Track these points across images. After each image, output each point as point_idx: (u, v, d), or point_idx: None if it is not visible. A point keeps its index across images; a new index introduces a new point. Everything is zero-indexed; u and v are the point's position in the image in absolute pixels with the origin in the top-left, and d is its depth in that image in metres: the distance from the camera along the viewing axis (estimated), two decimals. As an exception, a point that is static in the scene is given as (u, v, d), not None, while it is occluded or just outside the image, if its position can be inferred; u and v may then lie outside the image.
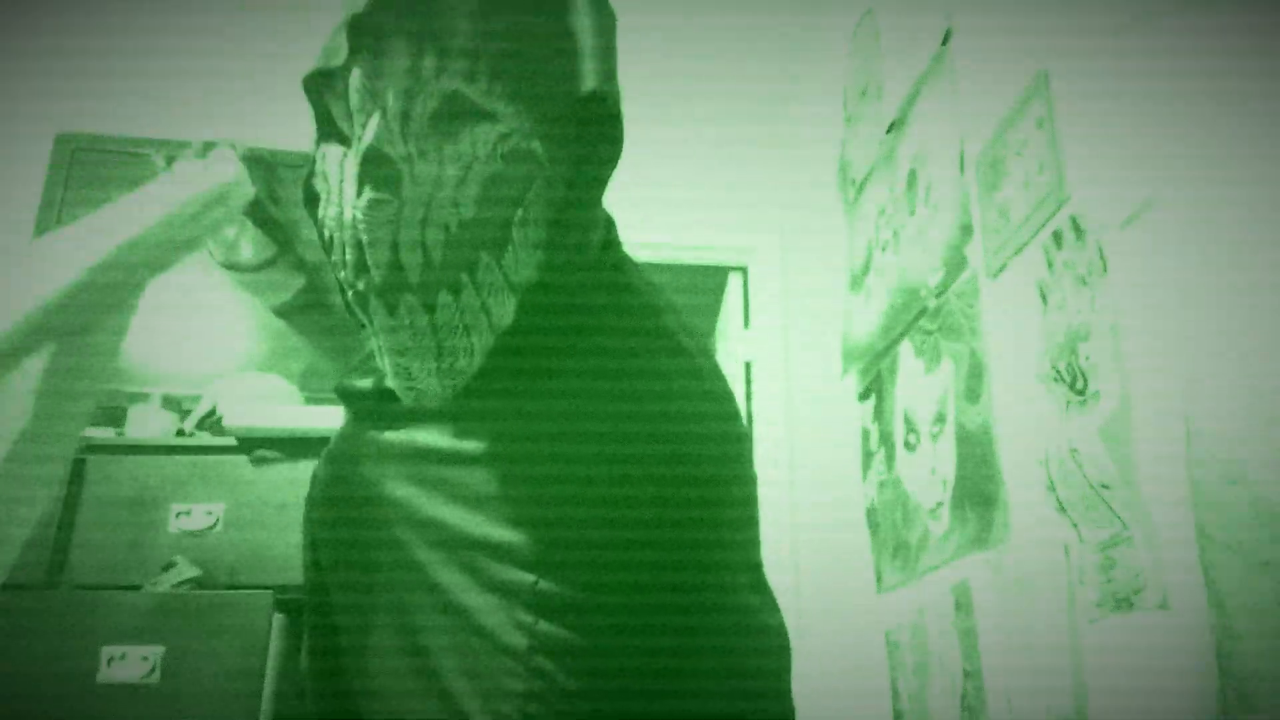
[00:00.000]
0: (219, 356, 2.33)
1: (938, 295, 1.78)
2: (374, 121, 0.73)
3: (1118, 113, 1.28)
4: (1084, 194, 1.34)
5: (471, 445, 0.80)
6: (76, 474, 1.82)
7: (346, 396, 0.90)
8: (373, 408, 0.87)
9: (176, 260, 0.87)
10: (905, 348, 1.94)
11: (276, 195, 0.89)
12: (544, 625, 0.75)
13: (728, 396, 0.90)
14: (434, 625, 0.78)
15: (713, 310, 3.08)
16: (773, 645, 0.89)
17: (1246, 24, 1.08)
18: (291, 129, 1.06)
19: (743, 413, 0.93)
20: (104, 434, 2.07)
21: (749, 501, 0.91)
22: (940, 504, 1.73)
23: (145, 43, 2.64)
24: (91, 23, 2.64)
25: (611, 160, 0.81)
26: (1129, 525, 1.19)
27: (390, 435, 0.84)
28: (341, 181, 0.76)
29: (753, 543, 0.92)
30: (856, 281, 2.24)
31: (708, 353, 0.90)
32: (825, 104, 2.57)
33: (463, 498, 0.79)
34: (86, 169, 2.50)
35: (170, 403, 2.18)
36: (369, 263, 0.75)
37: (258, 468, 1.85)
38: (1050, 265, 1.40)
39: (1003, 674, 1.47)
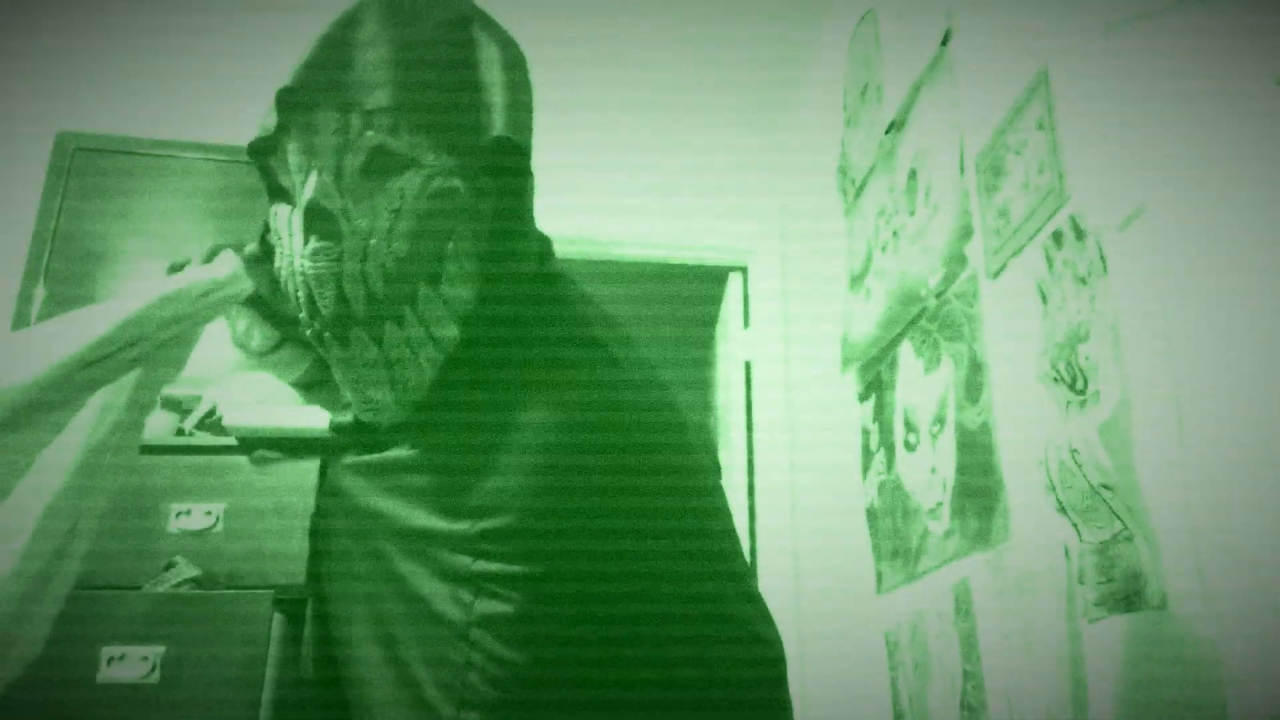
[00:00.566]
0: (219, 356, 2.32)
1: (938, 295, 1.78)
2: (312, 179, 0.84)
3: (1118, 113, 1.28)
4: (1084, 194, 1.34)
5: (423, 453, 0.89)
6: (76, 474, 1.81)
7: (336, 431, 0.99)
8: (354, 438, 0.95)
9: (172, 334, 0.97)
10: (905, 348, 1.94)
11: (276, 288, 0.98)
12: (481, 602, 0.82)
13: (657, 393, 0.96)
14: (399, 613, 0.85)
15: (713, 310, 3.08)
16: (763, 655, 0.93)
17: (1246, 24, 1.08)
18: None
19: (679, 406, 1.00)
20: (104, 434, 2.07)
21: (694, 487, 0.96)
22: (940, 504, 1.73)
23: (145, 43, 2.64)
24: (91, 23, 2.64)
25: (524, 191, 0.93)
26: (1129, 525, 1.19)
27: (366, 456, 0.92)
28: (290, 235, 0.87)
29: (726, 551, 0.96)
30: (856, 281, 2.24)
31: (641, 361, 0.97)
32: (825, 104, 2.57)
33: (416, 498, 0.87)
34: (86, 168, 2.50)
35: (170, 403, 2.18)
36: (318, 304, 0.86)
37: (258, 468, 1.85)
38: (1050, 265, 1.40)
39: (1003, 674, 1.47)
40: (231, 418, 1.93)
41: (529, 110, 0.94)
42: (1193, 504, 1.09)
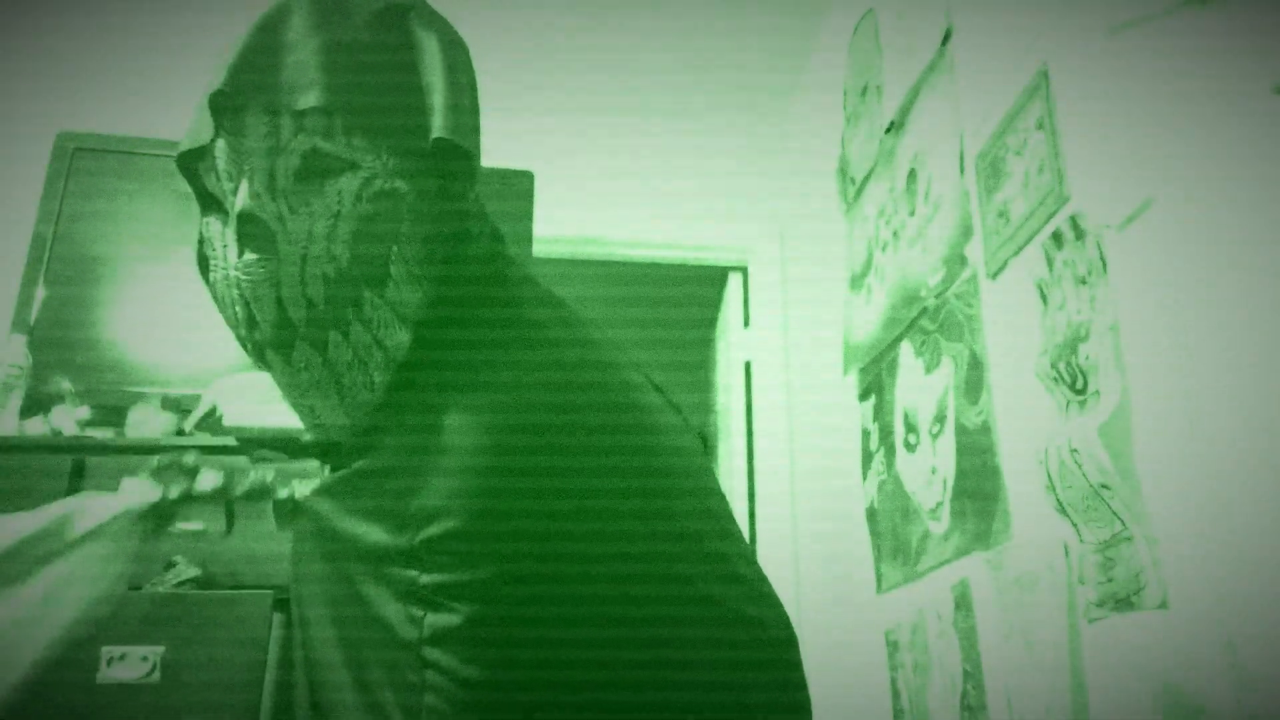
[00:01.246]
0: (219, 356, 2.33)
1: (938, 295, 1.78)
2: (243, 187, 0.79)
3: (1118, 113, 1.28)
4: (1084, 194, 1.34)
5: (373, 465, 0.84)
6: (76, 474, 1.81)
7: (307, 449, 0.97)
8: (321, 455, 0.93)
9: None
10: (905, 348, 1.94)
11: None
12: (431, 617, 0.78)
13: (608, 379, 0.91)
14: (365, 638, 0.82)
15: (713, 310, 3.08)
16: (753, 636, 0.89)
17: (1246, 24, 1.08)
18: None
19: (642, 389, 0.94)
20: (104, 434, 2.07)
21: (656, 468, 0.91)
22: (940, 504, 1.73)
23: (145, 43, 2.64)
24: (91, 23, 2.64)
25: (467, 190, 0.87)
26: (1129, 525, 1.19)
27: (330, 476, 0.89)
28: (225, 247, 0.82)
29: (701, 531, 0.91)
30: (856, 281, 2.24)
31: (600, 360, 0.92)
32: (825, 104, 2.57)
33: (372, 515, 0.82)
34: (86, 168, 2.50)
35: (170, 403, 2.18)
36: (257, 318, 0.81)
37: (257, 468, 1.85)
38: (1050, 265, 1.40)
39: (1003, 674, 1.47)
40: (231, 418, 1.93)
41: (473, 110, 0.88)
42: (1201, 502, 1.09)
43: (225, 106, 0.81)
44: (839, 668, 2.16)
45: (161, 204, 2.52)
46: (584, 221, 2.69)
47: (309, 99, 0.79)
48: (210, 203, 0.85)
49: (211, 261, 0.85)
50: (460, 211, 0.88)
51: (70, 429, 2.07)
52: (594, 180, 2.72)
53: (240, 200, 0.79)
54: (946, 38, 1.82)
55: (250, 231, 0.79)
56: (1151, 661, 1.14)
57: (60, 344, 2.32)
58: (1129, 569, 1.18)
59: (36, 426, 2.08)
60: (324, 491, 0.88)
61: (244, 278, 0.80)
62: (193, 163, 0.84)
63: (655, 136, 2.86)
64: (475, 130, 0.87)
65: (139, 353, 2.39)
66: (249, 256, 0.79)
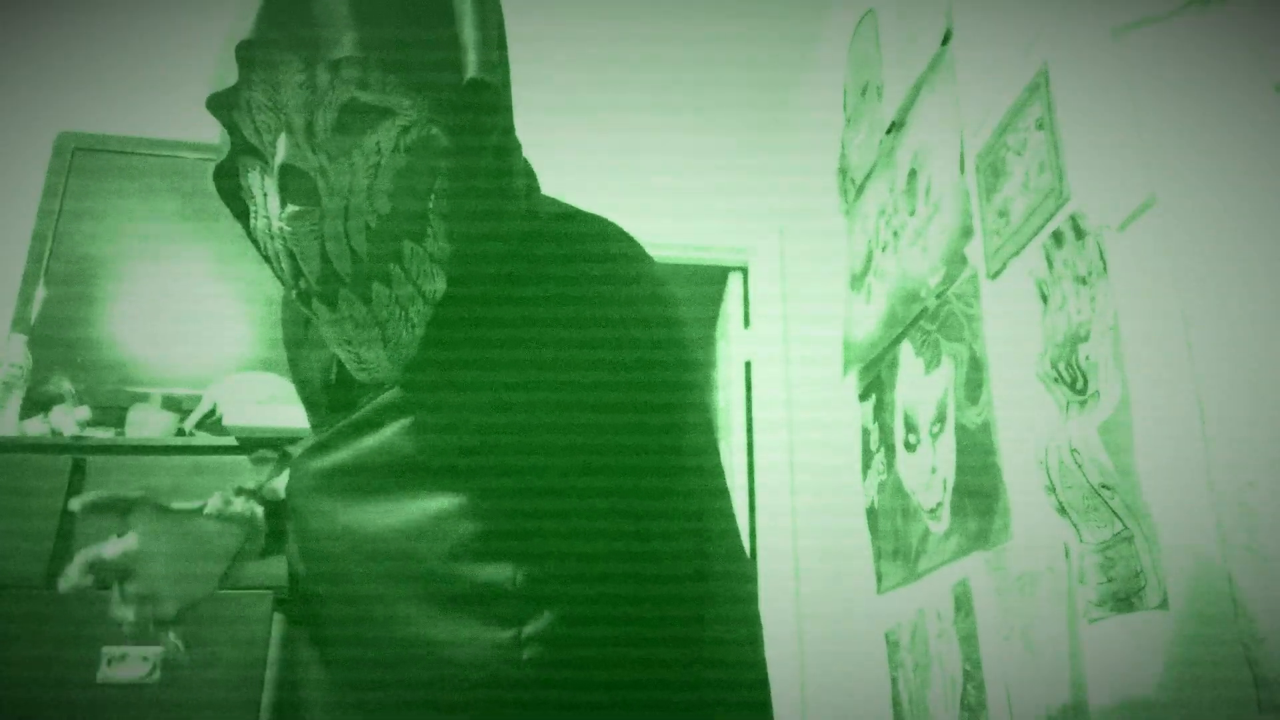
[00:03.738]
0: (219, 356, 2.33)
1: (938, 295, 1.78)
2: (283, 140, 0.80)
3: (1118, 112, 1.28)
4: (1084, 194, 1.34)
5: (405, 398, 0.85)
6: (76, 474, 1.81)
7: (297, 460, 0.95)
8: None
9: None
10: (905, 348, 1.94)
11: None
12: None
13: (651, 333, 0.92)
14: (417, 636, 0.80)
15: (713, 310, 3.08)
16: (742, 570, 0.93)
17: (1246, 22, 1.08)
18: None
19: (681, 348, 0.95)
20: (104, 434, 2.07)
21: (703, 428, 0.94)
22: (940, 504, 1.73)
23: (145, 43, 2.64)
24: (91, 23, 2.64)
25: (506, 127, 0.88)
26: (1129, 525, 1.19)
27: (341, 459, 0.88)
28: (265, 196, 0.83)
29: (719, 469, 0.95)
30: (856, 281, 2.24)
31: (632, 298, 0.93)
32: (825, 104, 2.57)
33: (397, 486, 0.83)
34: (86, 168, 2.50)
35: (170, 403, 2.18)
36: (302, 269, 0.82)
37: (257, 468, 1.85)
38: (1050, 265, 1.40)
39: (1003, 674, 1.47)
40: (231, 418, 1.93)
41: (503, 46, 0.88)
42: (1201, 502, 1.09)
43: (256, 58, 0.80)
44: (839, 668, 2.17)
45: (161, 204, 2.52)
46: (584, 221, 2.68)
47: (343, 48, 0.79)
48: (243, 145, 0.85)
49: (251, 209, 0.86)
50: (497, 148, 0.88)
51: (70, 429, 2.07)
52: (593, 180, 2.72)
53: (281, 154, 0.80)
54: (946, 38, 1.82)
55: (292, 184, 0.80)
56: (1151, 661, 1.14)
57: (60, 344, 2.33)
58: (1129, 569, 1.18)
59: (36, 426, 2.08)
60: (336, 484, 0.88)
61: (288, 229, 0.80)
62: (222, 107, 0.84)
63: (655, 136, 2.86)
64: (506, 71, 0.88)
65: (139, 353, 2.39)
66: (292, 209, 0.80)
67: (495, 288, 0.88)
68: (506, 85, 0.87)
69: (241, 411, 1.91)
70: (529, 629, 0.77)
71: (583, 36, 2.78)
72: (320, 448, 0.90)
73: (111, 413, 2.18)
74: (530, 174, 0.96)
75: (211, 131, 0.88)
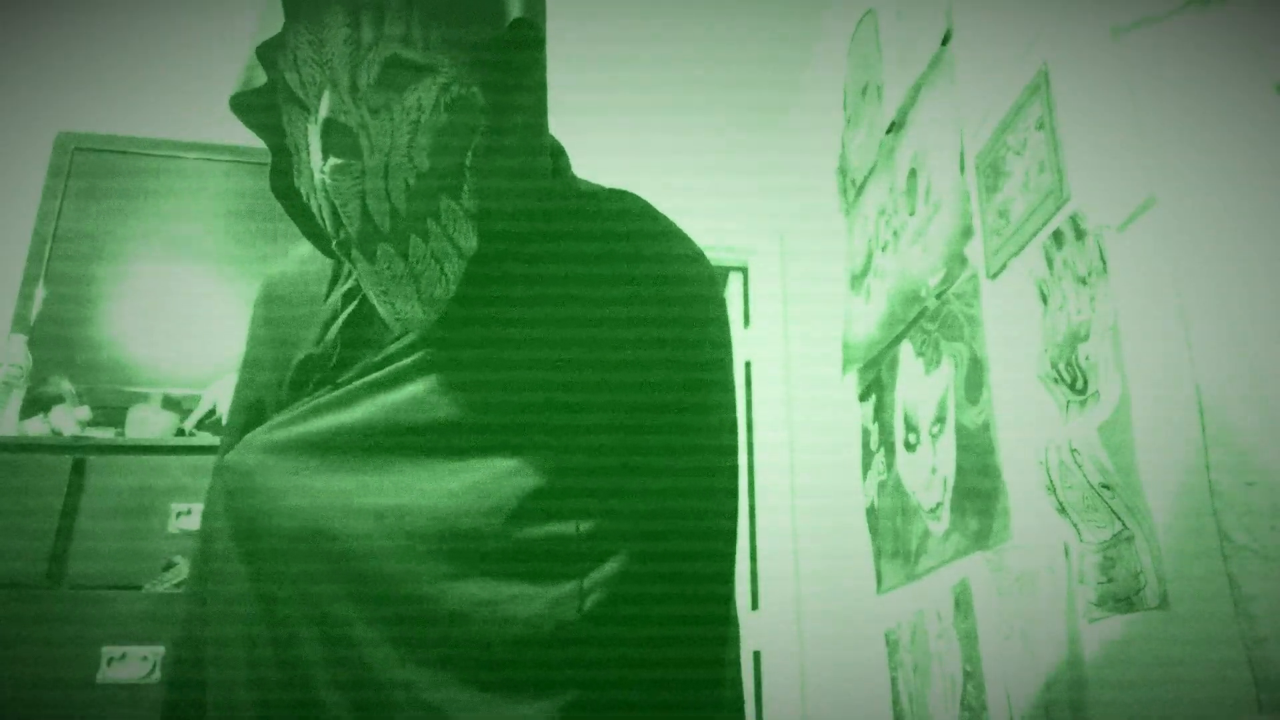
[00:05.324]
0: (219, 356, 2.33)
1: (938, 295, 1.78)
2: (327, 95, 0.83)
3: (1118, 112, 1.28)
4: (1084, 194, 1.34)
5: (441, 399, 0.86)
6: (76, 474, 1.82)
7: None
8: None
9: None
10: (905, 348, 1.94)
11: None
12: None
13: (675, 312, 0.95)
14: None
15: (713, 310, 3.07)
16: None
17: (1247, 22, 1.08)
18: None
19: (703, 331, 1.00)
20: (104, 434, 2.07)
21: (724, 407, 0.98)
22: (940, 504, 1.73)
23: (145, 43, 2.64)
24: (91, 23, 2.64)
25: (540, 86, 0.90)
26: (1129, 525, 1.19)
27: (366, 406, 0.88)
28: (308, 146, 0.85)
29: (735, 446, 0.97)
30: (856, 281, 2.24)
31: (655, 276, 0.96)
32: (825, 104, 2.57)
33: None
34: (86, 168, 2.50)
35: (170, 403, 2.18)
36: (343, 219, 0.84)
37: (258, 468, 1.84)
38: (1050, 265, 1.40)
39: (1003, 674, 1.47)
40: (231, 418, 1.93)
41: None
42: (1201, 502, 1.09)
43: (301, 9, 0.83)
44: (839, 668, 2.17)
45: (161, 204, 2.52)
46: (584, 221, 2.68)
47: (391, 5, 0.82)
48: (289, 95, 0.87)
49: (295, 155, 0.88)
50: (533, 107, 0.90)
51: (70, 429, 2.07)
52: (593, 180, 2.71)
53: (325, 109, 0.82)
54: (946, 38, 1.82)
55: (335, 137, 0.82)
56: (1151, 661, 1.14)
57: (60, 344, 2.33)
58: (1129, 569, 1.18)
59: (36, 426, 2.08)
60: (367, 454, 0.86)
61: (330, 182, 0.83)
62: (270, 55, 0.86)
63: (654, 136, 2.86)
64: (544, 20, 0.90)
65: (139, 353, 2.40)
66: (334, 161, 0.82)
67: (529, 245, 0.91)
68: (543, 40, 0.89)
69: (241, 411, 1.91)
70: (591, 578, 0.78)
71: (582, 37, 2.78)
72: (294, 420, 0.89)
73: (111, 413, 2.19)
74: (560, 153, 0.99)
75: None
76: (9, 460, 1.82)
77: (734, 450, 0.95)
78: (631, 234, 0.97)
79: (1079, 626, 1.28)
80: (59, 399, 2.15)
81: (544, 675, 0.76)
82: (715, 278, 1.00)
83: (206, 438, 1.99)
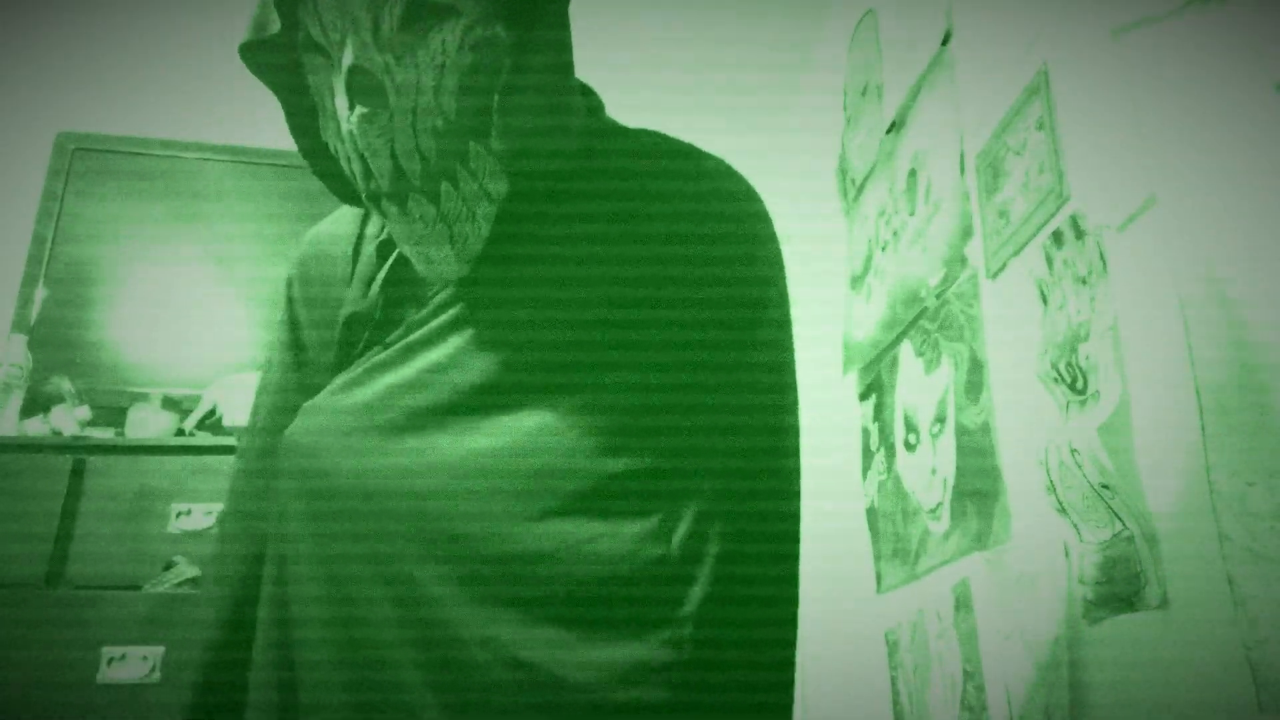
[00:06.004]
0: (219, 357, 2.33)
1: (938, 295, 1.78)
2: (350, 42, 0.81)
3: (1118, 112, 1.28)
4: (1084, 194, 1.34)
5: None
6: (76, 474, 1.82)
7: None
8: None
9: None
10: (905, 348, 1.94)
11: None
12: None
13: (711, 251, 0.94)
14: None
15: (713, 310, 3.07)
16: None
17: (1247, 22, 1.08)
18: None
19: (764, 262, 1.05)
20: (104, 434, 2.07)
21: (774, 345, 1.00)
22: (940, 504, 1.73)
23: (145, 43, 2.64)
24: (91, 23, 2.64)
25: (564, 23, 0.91)
26: (1129, 525, 1.19)
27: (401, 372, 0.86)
28: (333, 96, 0.84)
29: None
30: (856, 281, 2.24)
31: (704, 214, 0.95)
32: (825, 104, 2.57)
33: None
34: (86, 168, 2.50)
35: (170, 403, 2.18)
36: (373, 170, 0.83)
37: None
38: (1050, 265, 1.40)
39: (1003, 674, 1.47)
40: (231, 418, 1.94)
41: None
42: (1201, 502, 1.09)
43: None
44: (839, 668, 2.16)
45: (161, 204, 2.52)
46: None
47: None
48: (309, 43, 0.85)
49: (319, 104, 0.87)
50: (556, 43, 0.89)
51: (70, 429, 2.07)
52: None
53: (348, 56, 0.81)
54: (946, 38, 1.82)
55: (360, 84, 0.81)
56: (1151, 661, 1.14)
57: (60, 344, 2.33)
58: (1129, 569, 1.18)
59: (36, 426, 2.08)
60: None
61: (358, 132, 0.81)
62: (292, 6, 0.84)
63: (655, 136, 2.86)
64: None
65: (139, 353, 2.40)
66: (361, 110, 0.81)
67: (566, 184, 0.89)
68: None
69: (241, 411, 1.91)
70: (673, 514, 0.78)
71: (580, 37, 2.78)
72: (357, 380, 0.88)
73: (111, 413, 2.19)
74: (589, 92, 0.99)
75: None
76: (9, 460, 1.82)
77: (794, 387, 0.98)
78: (677, 171, 0.95)
79: (1079, 627, 1.28)
80: (59, 399, 2.15)
81: (635, 613, 0.76)
82: (767, 215, 0.99)
83: (206, 438, 1.99)
